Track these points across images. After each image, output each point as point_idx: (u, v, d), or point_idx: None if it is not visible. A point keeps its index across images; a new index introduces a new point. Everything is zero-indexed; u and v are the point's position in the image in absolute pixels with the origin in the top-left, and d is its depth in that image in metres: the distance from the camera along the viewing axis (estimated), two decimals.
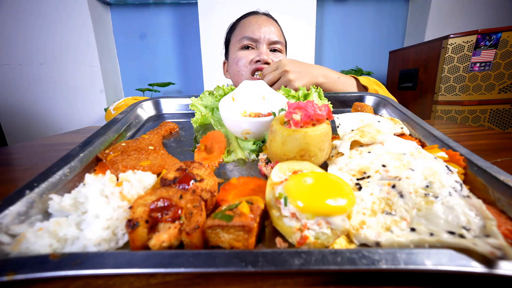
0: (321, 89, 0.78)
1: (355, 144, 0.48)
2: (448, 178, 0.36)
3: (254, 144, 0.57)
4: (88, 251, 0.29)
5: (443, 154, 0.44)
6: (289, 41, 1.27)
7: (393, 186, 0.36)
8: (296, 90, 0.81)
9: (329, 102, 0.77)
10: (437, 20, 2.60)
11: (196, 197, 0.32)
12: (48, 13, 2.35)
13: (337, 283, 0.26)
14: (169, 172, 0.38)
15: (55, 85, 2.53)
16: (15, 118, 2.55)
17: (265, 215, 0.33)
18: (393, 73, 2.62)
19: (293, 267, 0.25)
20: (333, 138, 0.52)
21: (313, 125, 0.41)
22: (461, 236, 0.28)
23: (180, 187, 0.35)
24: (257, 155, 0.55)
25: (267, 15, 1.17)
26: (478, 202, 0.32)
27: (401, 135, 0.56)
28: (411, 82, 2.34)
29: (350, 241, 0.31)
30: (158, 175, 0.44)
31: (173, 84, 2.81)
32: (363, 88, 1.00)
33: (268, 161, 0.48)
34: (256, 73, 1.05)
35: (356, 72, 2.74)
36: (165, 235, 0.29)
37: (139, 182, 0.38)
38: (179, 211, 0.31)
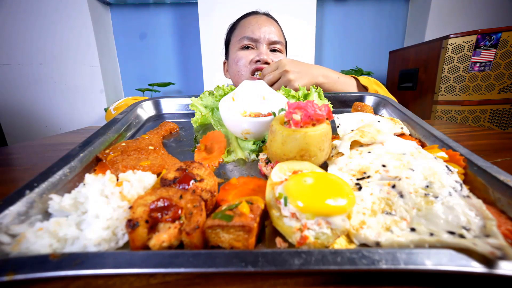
0: (321, 89, 0.78)
1: (355, 144, 0.48)
2: (448, 178, 0.36)
3: (254, 144, 0.57)
4: (88, 251, 0.29)
5: (443, 154, 0.44)
6: (289, 41, 1.27)
7: (393, 186, 0.36)
8: (296, 90, 0.81)
9: (329, 102, 0.77)
10: (437, 20, 2.60)
11: (196, 197, 0.32)
12: (48, 13, 2.35)
13: (337, 283, 0.26)
14: (169, 172, 0.38)
15: (55, 85, 2.53)
16: (15, 118, 2.55)
17: (265, 215, 0.33)
18: (393, 73, 2.62)
19: (293, 267, 0.25)
20: (333, 138, 0.52)
21: (313, 125, 0.41)
22: (461, 236, 0.28)
23: (180, 187, 0.35)
24: (257, 155, 0.55)
25: (267, 15, 1.17)
26: (478, 202, 0.32)
27: (401, 135, 0.56)
28: (411, 82, 2.34)
29: (350, 241, 0.31)
30: (158, 175, 0.44)
31: (173, 84, 2.81)
32: (363, 88, 1.00)
33: (268, 161, 0.48)
34: (256, 73, 1.05)
35: (356, 72, 2.74)
36: (165, 235, 0.29)
37: (139, 182, 0.38)
38: (179, 211, 0.31)
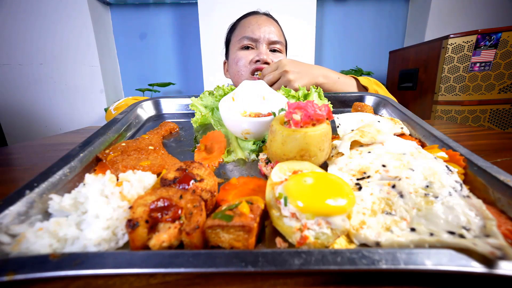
0: (321, 89, 0.78)
1: (355, 144, 0.48)
2: (448, 178, 0.36)
3: (254, 144, 0.57)
4: (88, 251, 0.29)
5: (443, 154, 0.44)
6: (289, 41, 1.27)
7: (393, 186, 0.36)
8: (296, 90, 0.81)
9: (329, 102, 0.77)
10: (437, 20, 2.60)
11: (196, 197, 0.32)
12: (48, 13, 2.35)
13: (337, 283, 0.26)
14: (169, 172, 0.38)
15: (55, 85, 2.53)
16: (15, 118, 2.55)
17: (265, 215, 0.33)
18: (393, 73, 2.62)
19: (293, 267, 0.25)
20: (333, 138, 0.52)
21: (313, 125, 0.41)
22: (461, 236, 0.28)
23: (180, 187, 0.35)
24: (257, 155, 0.55)
25: (268, 15, 1.17)
26: (478, 202, 0.32)
27: (401, 135, 0.56)
28: (411, 82, 2.34)
29: (350, 241, 0.31)
30: (158, 175, 0.44)
31: (173, 84, 2.81)
32: (363, 88, 1.00)
33: (268, 161, 0.48)
34: (256, 73, 1.05)
35: (356, 72, 2.74)
36: (165, 235, 0.29)
37: (139, 182, 0.38)
38: (179, 211, 0.31)
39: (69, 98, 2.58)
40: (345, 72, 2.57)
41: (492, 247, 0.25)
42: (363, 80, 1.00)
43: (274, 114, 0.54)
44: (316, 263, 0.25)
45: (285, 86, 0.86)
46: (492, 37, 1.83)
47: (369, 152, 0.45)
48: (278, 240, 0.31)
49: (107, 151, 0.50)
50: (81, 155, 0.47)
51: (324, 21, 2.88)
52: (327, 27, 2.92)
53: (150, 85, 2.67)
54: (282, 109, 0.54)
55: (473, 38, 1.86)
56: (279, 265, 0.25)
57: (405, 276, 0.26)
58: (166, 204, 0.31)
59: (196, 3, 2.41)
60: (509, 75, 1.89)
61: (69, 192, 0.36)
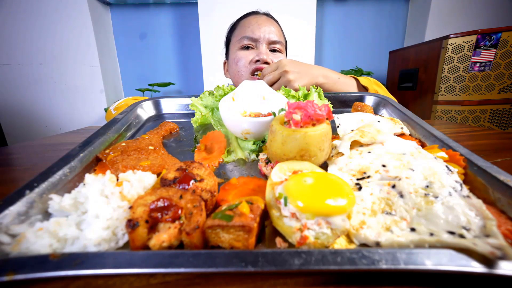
0: (321, 89, 0.78)
1: (355, 144, 0.48)
2: (448, 178, 0.36)
3: (254, 144, 0.57)
4: (88, 251, 0.29)
5: (443, 154, 0.44)
6: (289, 41, 1.27)
7: (393, 186, 0.36)
8: (296, 90, 0.81)
9: (329, 102, 0.77)
10: (437, 20, 2.60)
11: (196, 197, 0.32)
12: (48, 13, 2.35)
13: (337, 283, 0.26)
14: (169, 172, 0.38)
15: (55, 85, 2.53)
16: (15, 118, 2.55)
17: (265, 215, 0.33)
18: (393, 73, 2.62)
19: (293, 267, 0.25)
20: (333, 138, 0.52)
21: (313, 125, 0.41)
22: (461, 236, 0.28)
23: (180, 187, 0.35)
24: (257, 155, 0.55)
25: (268, 15, 1.17)
26: (478, 202, 0.32)
27: (401, 135, 0.56)
28: (411, 82, 2.34)
29: (350, 241, 0.31)
30: (158, 175, 0.44)
31: (173, 84, 2.81)
32: (363, 88, 1.00)
33: (268, 161, 0.48)
34: (256, 73, 1.05)
35: (356, 72, 2.74)
36: (165, 235, 0.29)
37: (139, 182, 0.38)
38: (179, 211, 0.31)
39: (69, 98, 2.58)
40: (345, 72, 2.57)
41: (492, 247, 0.25)
42: (363, 80, 1.00)
43: (274, 114, 0.54)
44: (316, 263, 0.25)
45: (285, 86, 0.86)
46: (492, 37, 1.84)
47: (369, 152, 0.45)
48: (278, 240, 0.31)
49: (107, 151, 0.50)
50: (81, 155, 0.47)
51: (324, 21, 2.88)
52: (327, 27, 2.92)
53: (150, 85, 2.67)
54: (282, 109, 0.54)
55: (473, 38, 1.86)
56: (279, 265, 0.25)
57: (405, 276, 0.26)
58: (166, 204, 0.31)
59: (196, 3, 2.41)
60: (509, 75, 1.89)
61: (69, 192, 0.36)
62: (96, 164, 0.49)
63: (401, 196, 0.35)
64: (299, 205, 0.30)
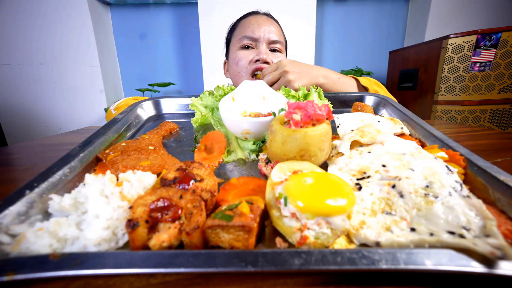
0: (321, 89, 0.78)
1: (355, 144, 0.48)
2: (448, 178, 0.36)
3: (254, 144, 0.57)
4: (88, 251, 0.29)
5: (443, 154, 0.44)
6: (289, 41, 1.27)
7: (393, 186, 0.36)
8: (296, 90, 0.81)
9: (329, 102, 0.77)
10: (437, 20, 2.60)
11: (196, 197, 0.32)
12: (48, 13, 2.35)
13: (337, 283, 0.26)
14: (169, 172, 0.38)
15: (55, 85, 2.53)
16: (15, 118, 2.55)
17: (265, 215, 0.33)
18: (393, 73, 2.62)
19: (293, 267, 0.25)
20: (333, 138, 0.52)
21: (313, 125, 0.41)
22: (461, 236, 0.28)
23: (180, 187, 0.35)
24: (257, 155, 0.55)
25: (268, 15, 1.18)
26: (478, 202, 0.32)
27: (401, 135, 0.56)
28: (411, 82, 2.34)
29: (350, 241, 0.31)
30: (158, 175, 0.44)
31: (173, 84, 2.81)
32: (363, 88, 1.00)
33: (268, 161, 0.48)
34: (256, 73, 1.05)
35: (356, 72, 2.74)
36: (165, 235, 0.29)
37: (139, 182, 0.38)
38: (179, 211, 0.31)
39: (69, 98, 2.58)
40: (345, 72, 2.57)
41: (492, 247, 0.25)
42: (363, 80, 1.00)
43: (274, 114, 0.54)
44: (316, 263, 0.25)
45: (285, 86, 0.86)
46: (492, 37, 1.84)
47: (369, 152, 0.45)
48: (278, 240, 0.31)
49: (107, 151, 0.50)
50: (81, 155, 0.47)
51: (324, 21, 2.88)
52: (327, 27, 2.92)
53: (150, 85, 2.67)
54: (282, 109, 0.54)
55: (473, 38, 1.86)
56: (279, 265, 0.25)
57: (405, 276, 0.26)
58: (166, 204, 0.31)
59: (196, 3, 2.41)
60: (509, 75, 1.89)
61: (69, 192, 0.36)
62: (96, 164, 0.49)
63: (401, 196, 0.35)
64: (299, 205, 0.30)
